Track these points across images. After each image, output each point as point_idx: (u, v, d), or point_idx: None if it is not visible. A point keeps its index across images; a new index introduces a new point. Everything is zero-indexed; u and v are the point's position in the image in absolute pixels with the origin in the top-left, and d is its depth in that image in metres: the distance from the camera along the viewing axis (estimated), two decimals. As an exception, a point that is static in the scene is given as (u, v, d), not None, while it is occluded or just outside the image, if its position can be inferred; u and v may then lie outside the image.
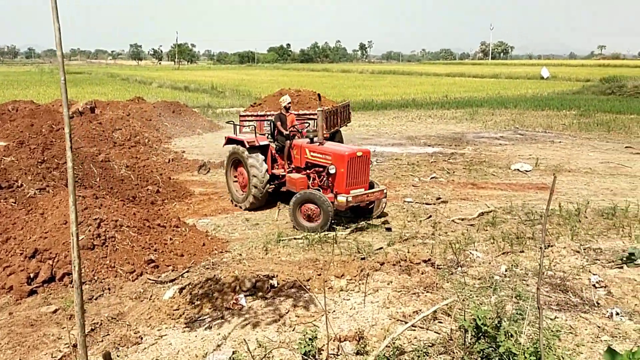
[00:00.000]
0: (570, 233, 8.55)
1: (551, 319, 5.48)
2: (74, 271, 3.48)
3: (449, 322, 5.36)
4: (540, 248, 3.99)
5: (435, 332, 5.20)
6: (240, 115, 13.95)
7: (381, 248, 8.23)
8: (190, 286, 6.39)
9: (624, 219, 9.25)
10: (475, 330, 4.08)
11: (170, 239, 8.20)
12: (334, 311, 5.77)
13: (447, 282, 6.54)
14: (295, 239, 8.61)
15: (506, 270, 6.99)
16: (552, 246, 7.97)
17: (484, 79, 56.15)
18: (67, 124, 3.27)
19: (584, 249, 7.85)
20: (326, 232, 8.86)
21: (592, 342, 5.10)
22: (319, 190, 9.44)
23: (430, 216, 9.98)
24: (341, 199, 9.08)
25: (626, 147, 17.53)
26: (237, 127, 11.61)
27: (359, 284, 6.44)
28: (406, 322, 5.26)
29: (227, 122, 12.75)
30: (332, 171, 9.35)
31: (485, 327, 3.94)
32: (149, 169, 14.24)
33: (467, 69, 76.40)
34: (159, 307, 6.03)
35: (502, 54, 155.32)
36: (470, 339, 4.41)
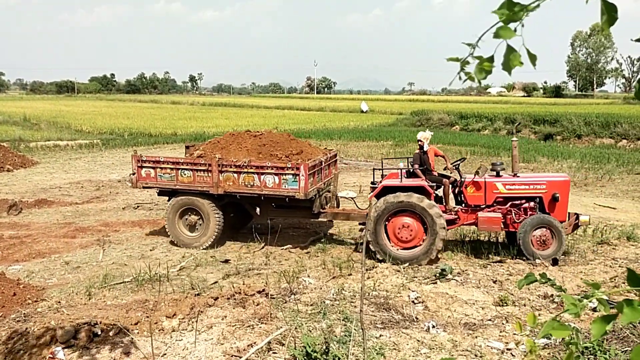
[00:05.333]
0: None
1: (376, 338, 5.82)
2: None
3: (283, 352, 5.41)
4: (361, 271, 4.25)
5: (270, 363, 5.21)
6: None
7: (216, 282, 8.10)
8: (-4, 344, 5.62)
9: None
10: (305, 357, 4.17)
11: (-28, 291, 7.16)
12: (165, 354, 5.49)
13: (281, 312, 6.63)
14: (123, 282, 8.07)
15: (335, 294, 7.30)
16: (376, 267, 8.54)
17: (311, 112, 58.73)
18: None
19: (404, 268, 8.55)
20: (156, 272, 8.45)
21: (413, 356, 5.52)
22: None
23: (264, 246, 10.08)
24: (585, 218, 8.82)
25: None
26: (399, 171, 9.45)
27: (192, 322, 6.23)
28: (241, 357, 5.20)
29: (385, 159, 10.43)
30: (559, 198, 8.92)
31: (315, 354, 4.05)
32: (-56, 212, 12.36)
33: (295, 102, 79.39)
34: (-44, 373, 5.21)
35: (326, 89, 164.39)
36: (303, 366, 4.50)
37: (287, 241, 10.48)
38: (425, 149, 9.68)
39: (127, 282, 8.03)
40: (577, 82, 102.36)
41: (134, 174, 10.26)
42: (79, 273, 8.75)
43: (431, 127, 37.68)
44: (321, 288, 7.63)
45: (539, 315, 6.74)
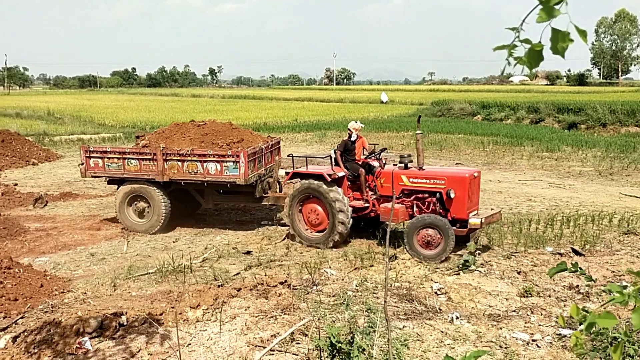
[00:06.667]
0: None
1: (400, 329, 5.81)
2: None
3: (306, 342, 5.43)
4: (385, 262, 4.24)
5: (293, 354, 5.24)
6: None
7: (238, 273, 8.15)
8: (25, 333, 5.75)
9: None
10: (330, 348, 4.18)
11: (1, 282, 7.32)
12: (190, 344, 5.56)
13: (304, 302, 6.65)
14: (148, 273, 8.17)
15: (357, 285, 7.30)
16: (397, 258, 8.51)
17: (331, 103, 58.51)
18: None
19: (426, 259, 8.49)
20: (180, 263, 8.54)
21: (437, 347, 5.50)
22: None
23: (285, 238, 10.12)
24: (475, 220, 8.44)
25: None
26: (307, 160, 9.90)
27: (215, 312, 6.29)
28: (264, 347, 5.23)
29: (288, 156, 10.69)
30: (452, 195, 8.56)
31: (340, 344, 4.06)
32: (-27, 205, 12.65)
33: (314, 93, 79.18)
34: (-12, 362, 5.34)
35: (345, 80, 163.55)
36: (327, 357, 4.51)
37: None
38: (353, 139, 9.78)
39: (152, 273, 8.14)
40: (602, 69, 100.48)
41: (82, 164, 10.69)
42: (104, 264, 8.89)
43: (452, 117, 37.33)
44: (343, 279, 7.63)
45: (564, 306, 6.66)
